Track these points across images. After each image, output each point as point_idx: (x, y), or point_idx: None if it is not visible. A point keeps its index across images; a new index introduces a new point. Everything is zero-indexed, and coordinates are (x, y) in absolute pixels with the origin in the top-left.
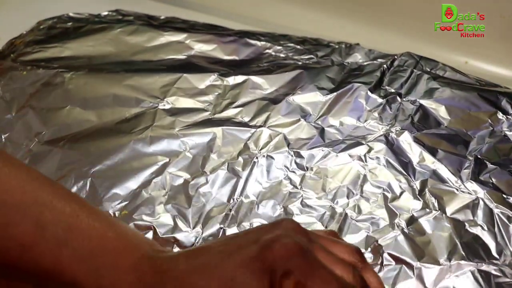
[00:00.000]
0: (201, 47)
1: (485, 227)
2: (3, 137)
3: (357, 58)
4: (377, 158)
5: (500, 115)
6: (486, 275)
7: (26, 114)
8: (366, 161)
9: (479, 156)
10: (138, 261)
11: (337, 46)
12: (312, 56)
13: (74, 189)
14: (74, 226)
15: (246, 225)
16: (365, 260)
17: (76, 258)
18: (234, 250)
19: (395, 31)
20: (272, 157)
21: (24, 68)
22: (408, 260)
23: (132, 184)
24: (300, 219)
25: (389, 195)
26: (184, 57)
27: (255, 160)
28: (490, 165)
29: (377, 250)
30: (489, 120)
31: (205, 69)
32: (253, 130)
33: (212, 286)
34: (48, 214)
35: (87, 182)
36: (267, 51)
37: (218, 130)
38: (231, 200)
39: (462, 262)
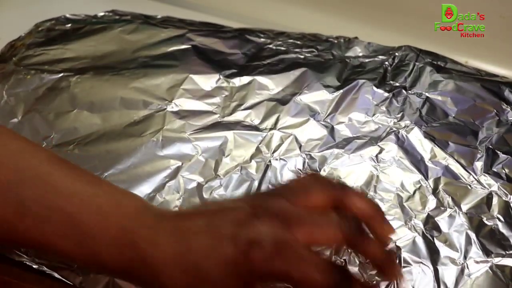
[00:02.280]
0: (203, 40)
1: (502, 219)
2: None
3: (357, 51)
4: (389, 158)
5: (504, 106)
6: (505, 269)
7: (33, 118)
8: (378, 162)
9: (490, 146)
10: (120, 234)
11: (336, 41)
12: (313, 49)
13: None
14: (55, 204)
15: None
16: (345, 188)
17: (58, 235)
18: (212, 246)
19: (395, 31)
20: (284, 160)
21: (28, 72)
22: (426, 260)
23: (146, 188)
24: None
25: (403, 195)
26: (188, 46)
27: (268, 163)
28: (502, 155)
29: (394, 252)
30: (495, 110)
31: (209, 66)
32: (264, 133)
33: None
34: (30, 192)
35: None
36: (267, 46)
37: (229, 134)
38: None
39: (480, 259)
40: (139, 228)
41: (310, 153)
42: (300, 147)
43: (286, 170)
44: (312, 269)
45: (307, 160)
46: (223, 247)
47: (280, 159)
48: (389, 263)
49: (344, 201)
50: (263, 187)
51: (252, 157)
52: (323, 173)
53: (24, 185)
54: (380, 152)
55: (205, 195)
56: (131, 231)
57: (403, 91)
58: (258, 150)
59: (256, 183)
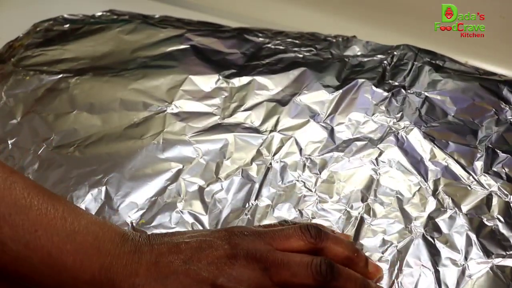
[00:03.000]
0: (201, 40)
1: (502, 220)
2: (9, 142)
3: (355, 50)
4: (389, 160)
5: (503, 105)
6: (505, 269)
7: (32, 119)
8: (378, 165)
9: (489, 145)
10: (98, 272)
11: (334, 40)
12: (311, 48)
13: (89, 197)
14: (33, 243)
15: None
16: (324, 235)
17: (37, 273)
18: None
19: (395, 31)
20: (285, 163)
21: (27, 73)
22: (427, 262)
23: (148, 191)
24: (316, 222)
25: (403, 197)
26: (187, 46)
27: (268, 166)
28: (501, 154)
29: (395, 255)
30: (494, 109)
31: (208, 66)
32: (264, 136)
33: None
34: (8, 230)
35: (102, 190)
36: (266, 45)
37: (229, 136)
38: (247, 205)
39: (480, 260)
40: (117, 267)
41: (310, 157)
42: (300, 150)
43: (287, 173)
44: None
45: (307, 164)
46: None
47: (281, 161)
48: None
49: (322, 248)
50: (264, 190)
51: (253, 160)
52: (323, 176)
53: (2, 222)
54: (379, 155)
55: (207, 199)
56: (109, 269)
57: (402, 90)
58: (258, 152)
59: (257, 186)
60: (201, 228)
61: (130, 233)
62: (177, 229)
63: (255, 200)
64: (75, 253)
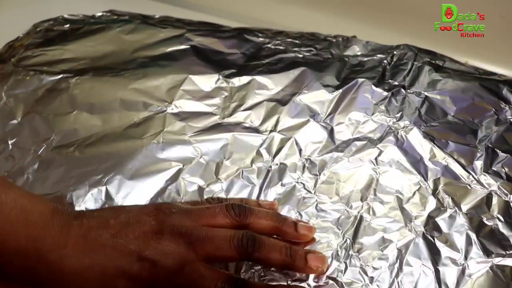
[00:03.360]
0: (201, 40)
1: (502, 219)
2: (9, 142)
3: (355, 50)
4: (388, 160)
5: (502, 104)
6: (505, 269)
7: (32, 119)
8: (377, 164)
9: (489, 145)
10: (26, 243)
11: (334, 40)
12: (311, 48)
13: (89, 197)
14: None
15: None
16: (244, 212)
17: None
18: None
19: (396, 31)
20: (285, 164)
21: (27, 73)
22: (427, 261)
23: (148, 191)
24: (316, 223)
25: (403, 197)
26: (187, 46)
27: (268, 168)
28: (501, 154)
29: (395, 253)
30: (493, 109)
31: (208, 66)
32: (264, 136)
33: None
34: None
35: (102, 190)
36: (266, 45)
37: (229, 136)
38: None
39: (480, 259)
40: (45, 238)
41: (310, 157)
42: (300, 151)
43: (287, 174)
44: (209, 283)
45: (306, 164)
46: (129, 263)
47: (281, 163)
48: (292, 263)
49: (247, 224)
50: (264, 193)
51: (252, 162)
52: (323, 176)
53: None
54: (379, 155)
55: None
56: (36, 240)
57: (402, 90)
58: (258, 153)
59: (257, 189)
60: None
61: (60, 207)
62: None
63: None
64: (1, 224)
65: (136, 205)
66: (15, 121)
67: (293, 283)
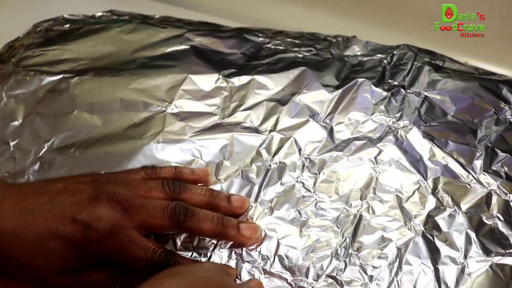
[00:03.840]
0: (201, 40)
1: (502, 218)
2: (11, 144)
3: (355, 50)
4: (388, 159)
5: (502, 104)
6: (505, 268)
7: (33, 121)
8: (377, 163)
9: (489, 145)
10: None
11: (334, 40)
12: (311, 48)
13: None
14: None
15: (261, 228)
16: (178, 188)
17: None
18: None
19: (395, 31)
20: (284, 163)
21: (27, 73)
22: (426, 260)
23: None
24: (315, 222)
25: (402, 196)
26: (187, 47)
27: (268, 167)
28: (501, 153)
29: (394, 252)
30: (493, 109)
31: (208, 66)
32: (264, 136)
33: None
34: None
35: None
36: (266, 45)
37: (229, 136)
38: None
39: (480, 258)
40: None
41: (309, 156)
42: (299, 150)
43: (286, 173)
44: (139, 250)
45: (306, 164)
46: (62, 224)
47: (280, 162)
48: (224, 232)
49: (182, 200)
50: (264, 192)
51: (252, 161)
52: (322, 175)
53: None
54: (379, 154)
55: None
56: None
57: (402, 90)
58: (258, 153)
59: (256, 188)
60: None
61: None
62: None
63: (254, 202)
64: None
65: (74, 175)
66: (16, 123)
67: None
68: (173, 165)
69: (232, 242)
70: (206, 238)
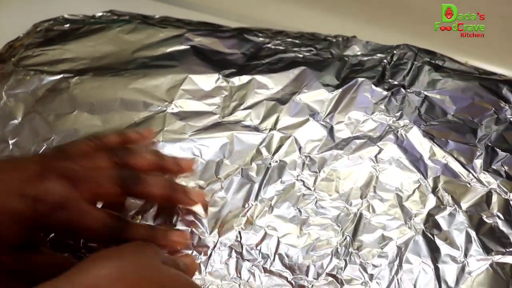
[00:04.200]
0: (201, 40)
1: (502, 217)
2: (10, 142)
3: (355, 50)
4: (388, 158)
5: (502, 104)
6: (505, 266)
7: (33, 119)
8: (377, 162)
9: (489, 144)
10: None
11: (334, 40)
12: (311, 48)
13: None
14: None
15: (262, 227)
16: (124, 155)
17: None
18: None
19: (395, 31)
20: (285, 162)
21: (27, 72)
22: (426, 259)
23: None
24: (315, 220)
25: (403, 194)
26: (187, 47)
27: (268, 165)
28: (501, 153)
29: (394, 250)
30: (493, 108)
31: (208, 66)
32: (264, 134)
33: None
34: None
35: None
36: (266, 45)
37: (229, 135)
38: (246, 205)
39: (480, 257)
40: None
41: (309, 155)
42: (299, 148)
43: (287, 172)
44: (91, 220)
45: (306, 162)
46: (10, 200)
47: (280, 161)
48: (173, 195)
49: (125, 162)
50: (264, 190)
51: (252, 160)
52: (323, 174)
53: None
54: (379, 152)
55: (206, 198)
56: None
57: (402, 89)
58: (258, 152)
59: (256, 186)
60: (201, 228)
61: None
62: (177, 226)
63: (254, 201)
64: None
65: (23, 155)
66: (15, 121)
67: None
68: (118, 131)
69: (231, 243)
70: (205, 236)
